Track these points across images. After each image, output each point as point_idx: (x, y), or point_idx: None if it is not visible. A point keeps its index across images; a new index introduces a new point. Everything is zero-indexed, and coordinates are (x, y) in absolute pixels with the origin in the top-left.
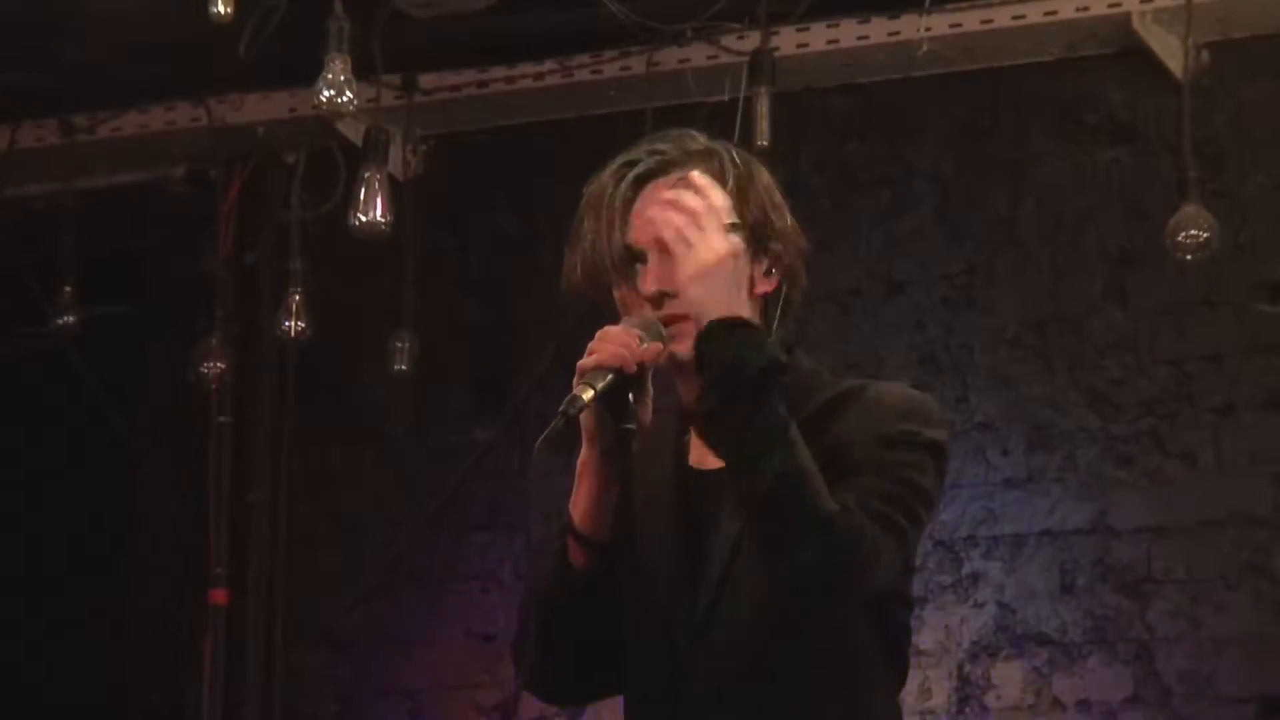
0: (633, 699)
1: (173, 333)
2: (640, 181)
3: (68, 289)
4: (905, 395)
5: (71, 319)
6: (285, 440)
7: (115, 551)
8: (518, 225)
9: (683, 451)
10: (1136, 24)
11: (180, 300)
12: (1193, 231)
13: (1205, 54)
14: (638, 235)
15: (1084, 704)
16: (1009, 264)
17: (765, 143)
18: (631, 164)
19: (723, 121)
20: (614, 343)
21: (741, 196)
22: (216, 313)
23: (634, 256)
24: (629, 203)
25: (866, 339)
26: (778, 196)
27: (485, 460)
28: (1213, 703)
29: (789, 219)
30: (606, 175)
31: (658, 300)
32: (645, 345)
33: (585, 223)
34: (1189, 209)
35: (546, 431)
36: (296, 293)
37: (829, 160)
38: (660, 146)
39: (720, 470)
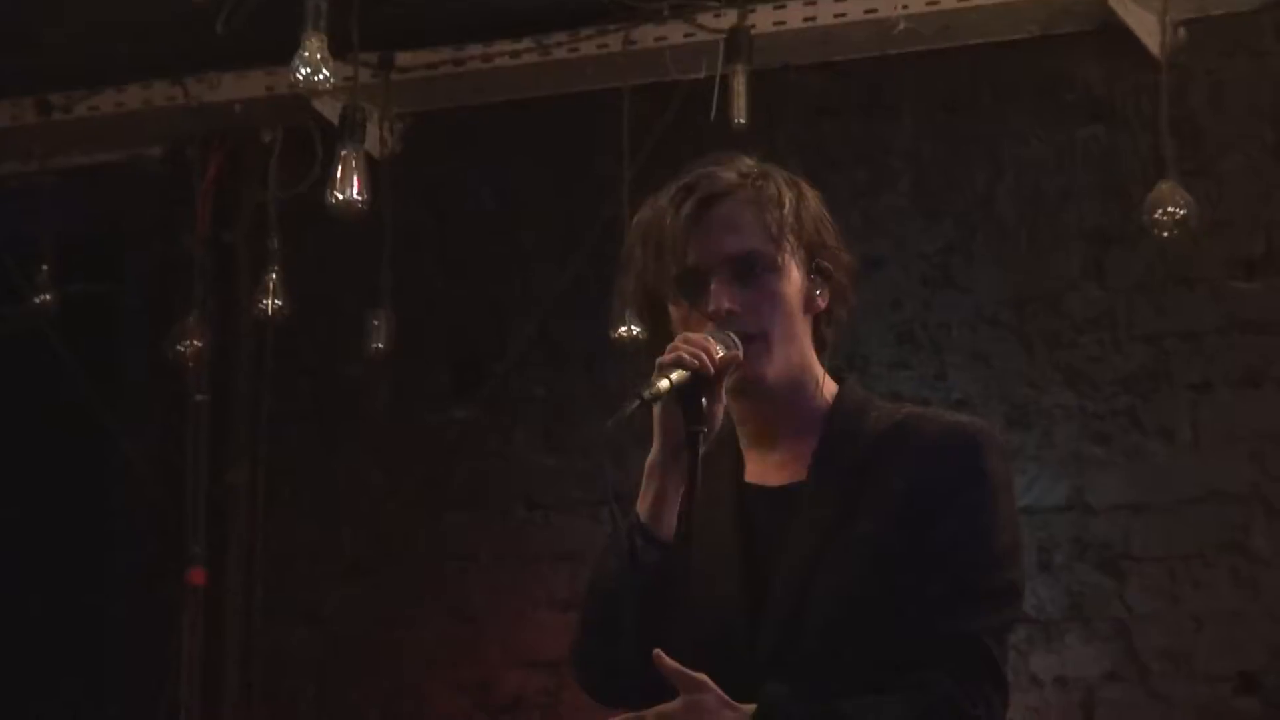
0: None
1: (150, 312)
2: (702, 204)
3: (45, 268)
4: (966, 433)
5: (49, 298)
6: (263, 419)
7: (94, 531)
8: (495, 203)
9: (739, 468)
10: (1114, 2)
11: (158, 279)
12: (1170, 209)
13: (1183, 31)
14: (702, 256)
15: (1062, 681)
16: (986, 242)
17: (742, 120)
18: (690, 188)
19: (700, 99)
20: (695, 345)
21: (797, 217)
22: (194, 292)
23: (700, 277)
24: (692, 224)
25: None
26: (826, 214)
27: (464, 440)
28: (1191, 680)
29: (838, 240)
30: (663, 200)
31: (726, 319)
32: (723, 354)
33: (643, 245)
34: (1166, 186)
35: (619, 413)
36: (274, 271)
37: (806, 138)
38: (714, 170)
39: (781, 488)
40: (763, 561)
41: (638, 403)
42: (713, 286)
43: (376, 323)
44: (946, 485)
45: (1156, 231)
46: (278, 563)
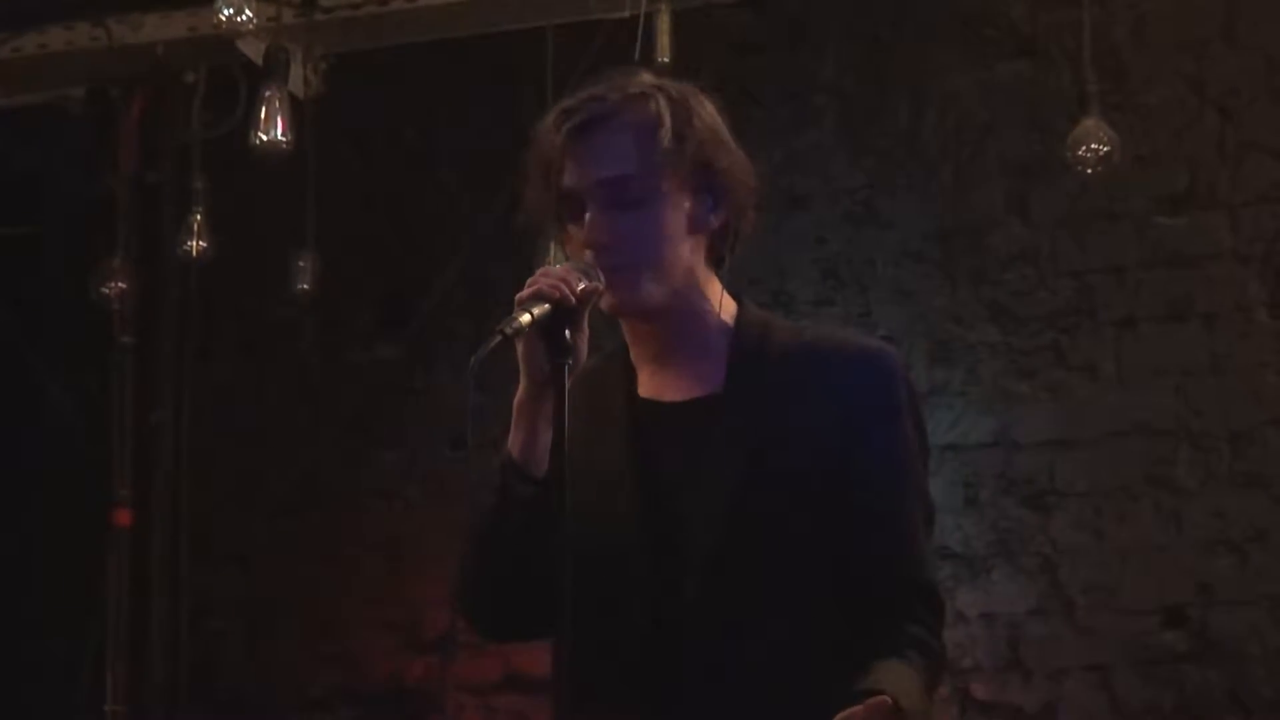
0: (592, 637)
1: (75, 253)
2: (577, 130)
3: None
4: (880, 360)
5: None
6: (188, 359)
7: (19, 473)
8: (419, 142)
9: (632, 385)
10: None
11: (82, 221)
12: (1093, 145)
13: None
14: (576, 183)
15: (988, 616)
16: (910, 178)
17: (666, 59)
18: (570, 111)
19: (623, 38)
20: (554, 277)
21: (681, 138)
22: (118, 233)
23: (577, 202)
24: (566, 150)
25: (769, 254)
26: (723, 133)
27: (390, 379)
28: (1116, 614)
29: (736, 154)
30: (549, 120)
31: (600, 251)
32: (584, 285)
33: (531, 167)
34: (1089, 122)
35: (480, 351)
36: (198, 212)
37: (730, 76)
38: (598, 92)
39: (683, 402)
40: (662, 475)
41: (498, 338)
42: (588, 216)
43: (301, 263)
44: (870, 417)
45: (1080, 168)
46: (204, 503)
